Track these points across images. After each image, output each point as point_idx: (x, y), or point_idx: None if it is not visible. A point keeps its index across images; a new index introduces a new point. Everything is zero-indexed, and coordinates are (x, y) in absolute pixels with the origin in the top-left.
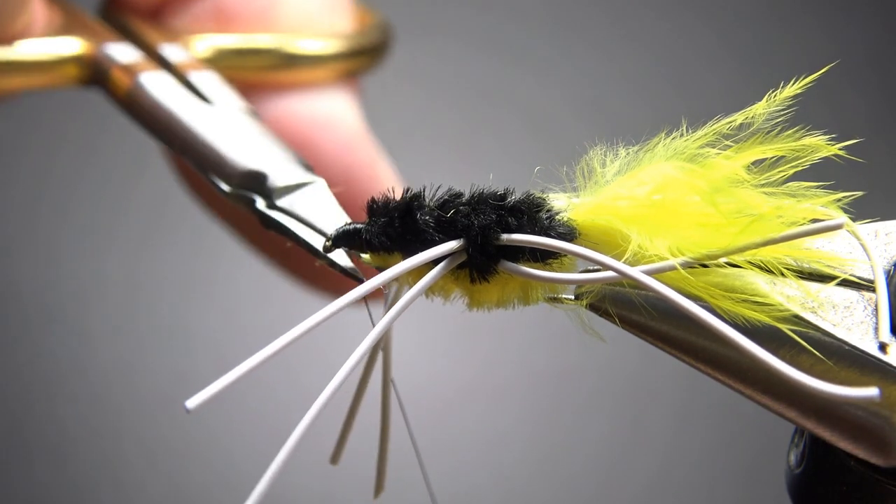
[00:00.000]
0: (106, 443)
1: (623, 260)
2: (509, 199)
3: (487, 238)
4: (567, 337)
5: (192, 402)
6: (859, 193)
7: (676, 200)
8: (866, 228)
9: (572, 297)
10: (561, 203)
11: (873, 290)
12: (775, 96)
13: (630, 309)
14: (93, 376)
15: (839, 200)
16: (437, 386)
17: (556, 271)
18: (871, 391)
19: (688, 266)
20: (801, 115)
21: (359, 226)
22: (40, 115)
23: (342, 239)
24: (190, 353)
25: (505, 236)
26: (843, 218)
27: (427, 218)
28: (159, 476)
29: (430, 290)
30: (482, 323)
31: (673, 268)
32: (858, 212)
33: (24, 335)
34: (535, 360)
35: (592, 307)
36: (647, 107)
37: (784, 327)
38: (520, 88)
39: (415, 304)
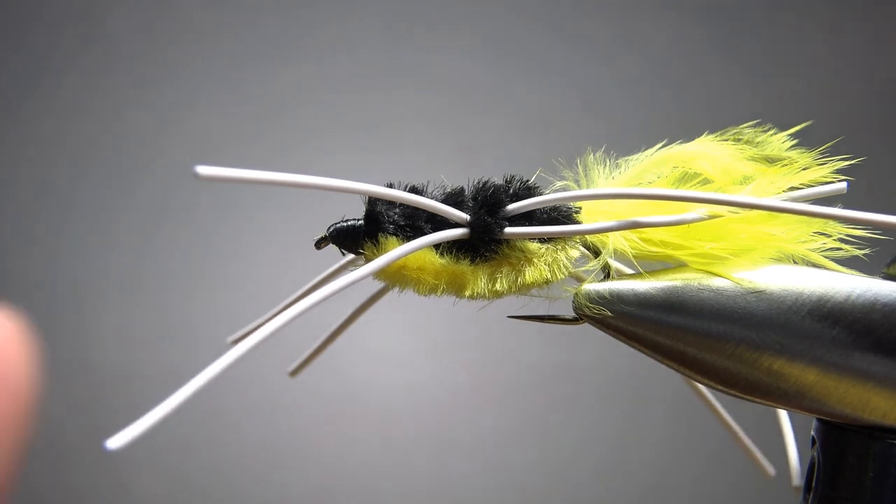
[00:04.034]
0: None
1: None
2: (517, 182)
3: (497, 199)
4: (560, 333)
5: (114, 442)
6: (857, 160)
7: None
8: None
9: (572, 318)
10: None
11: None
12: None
13: (628, 321)
14: (93, 376)
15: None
16: (430, 383)
17: (559, 258)
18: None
19: (696, 219)
20: (802, 117)
21: (356, 223)
22: (42, 113)
23: (339, 236)
24: (190, 353)
25: (512, 205)
26: (843, 184)
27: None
28: (159, 476)
29: (422, 287)
30: (475, 321)
31: (684, 220)
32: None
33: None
34: (528, 357)
35: (593, 322)
36: (647, 109)
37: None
38: (520, 90)
39: (410, 306)
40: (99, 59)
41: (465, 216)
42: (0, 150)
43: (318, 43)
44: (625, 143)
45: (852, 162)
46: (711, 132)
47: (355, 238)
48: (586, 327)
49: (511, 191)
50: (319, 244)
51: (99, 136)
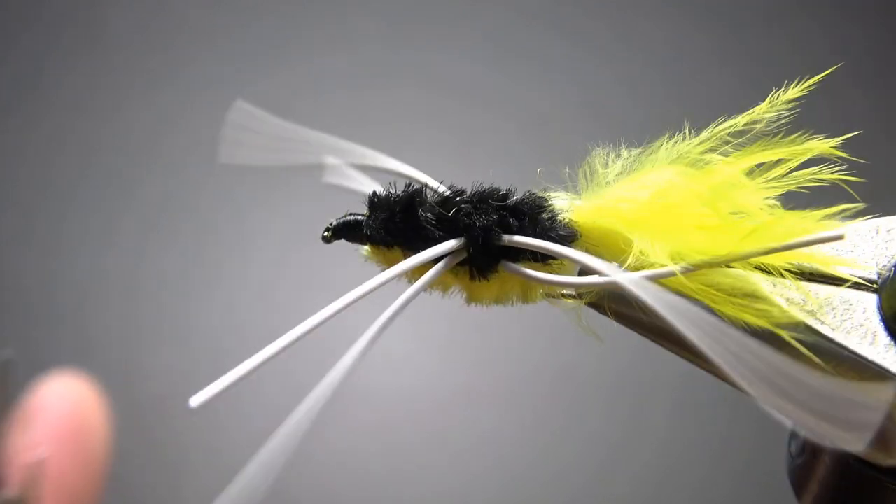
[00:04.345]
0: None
1: (626, 264)
2: (511, 200)
3: (489, 239)
4: (562, 335)
5: (195, 400)
6: (861, 206)
7: (678, 204)
8: (868, 224)
9: (573, 294)
10: (563, 203)
11: (874, 290)
12: (778, 98)
13: (629, 306)
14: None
15: (840, 213)
16: (432, 384)
17: (557, 271)
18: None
19: (687, 272)
20: (803, 117)
21: (360, 217)
22: (42, 112)
23: (343, 230)
24: (190, 353)
25: (506, 237)
26: (843, 229)
27: (428, 214)
28: (159, 476)
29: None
30: (477, 321)
31: (672, 273)
32: (862, 212)
33: (24, 335)
34: (530, 358)
35: (592, 304)
36: (647, 108)
37: (784, 334)
38: (520, 89)
39: (410, 306)
40: (99, 59)
41: (460, 243)
42: (0, 150)
43: (317, 42)
44: (625, 142)
45: (857, 207)
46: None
47: (359, 233)
48: (587, 325)
49: (504, 222)
50: (328, 240)
51: (99, 136)
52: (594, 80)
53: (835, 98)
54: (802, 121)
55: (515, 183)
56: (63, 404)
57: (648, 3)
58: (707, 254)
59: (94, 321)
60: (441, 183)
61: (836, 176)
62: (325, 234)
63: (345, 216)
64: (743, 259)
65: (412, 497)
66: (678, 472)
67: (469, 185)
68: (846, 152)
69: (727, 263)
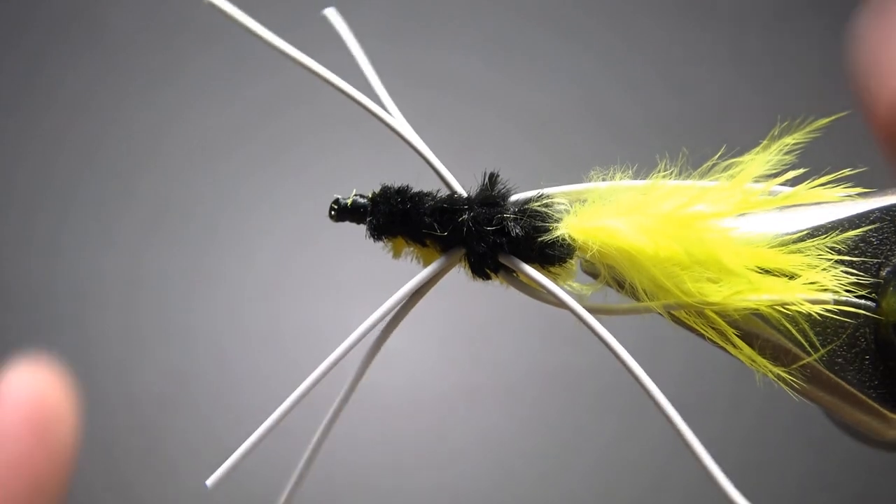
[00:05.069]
0: (106, 443)
1: (618, 287)
2: (507, 224)
3: (484, 261)
4: (561, 333)
5: (211, 480)
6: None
7: (666, 258)
8: (889, 202)
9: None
10: (560, 216)
11: (871, 298)
12: (775, 141)
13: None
14: (94, 376)
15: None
16: (429, 381)
17: (556, 274)
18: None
19: (669, 309)
20: (803, 116)
21: (366, 204)
22: (41, 111)
23: (346, 213)
24: (190, 353)
25: (502, 258)
26: (829, 296)
27: (428, 220)
28: (158, 476)
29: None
30: (479, 322)
31: (649, 310)
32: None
33: (24, 335)
34: (528, 356)
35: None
36: (648, 108)
37: (770, 374)
38: (520, 89)
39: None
40: (99, 58)
41: (459, 253)
42: (0, 150)
43: (317, 42)
44: (627, 143)
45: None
46: (712, 132)
47: (362, 217)
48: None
49: (500, 246)
50: (334, 219)
51: (99, 136)
52: (594, 80)
53: (834, 99)
54: (802, 121)
55: (515, 182)
56: (25, 392)
57: (649, 2)
58: (692, 296)
59: (94, 321)
60: (439, 188)
61: (839, 189)
62: (332, 213)
63: (352, 198)
64: (727, 310)
65: (410, 494)
66: (677, 471)
67: (469, 183)
68: (848, 156)
69: (712, 310)
